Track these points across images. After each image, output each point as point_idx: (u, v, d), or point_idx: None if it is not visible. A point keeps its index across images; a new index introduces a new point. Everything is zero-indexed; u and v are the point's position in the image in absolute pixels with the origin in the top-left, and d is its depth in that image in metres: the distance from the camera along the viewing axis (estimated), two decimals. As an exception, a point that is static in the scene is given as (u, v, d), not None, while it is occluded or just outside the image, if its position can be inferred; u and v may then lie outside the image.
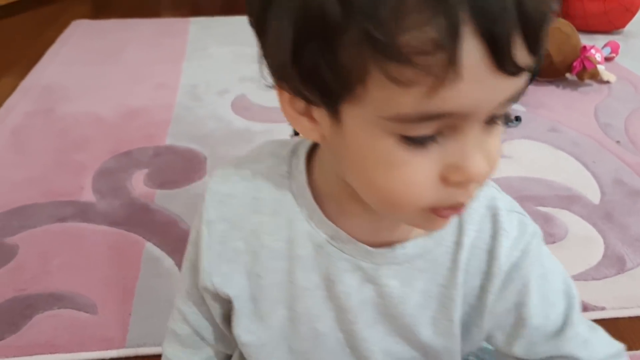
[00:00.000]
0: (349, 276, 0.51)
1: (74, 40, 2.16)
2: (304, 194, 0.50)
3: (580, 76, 1.81)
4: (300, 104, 0.42)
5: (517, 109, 1.65)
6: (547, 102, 1.71)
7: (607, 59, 1.99)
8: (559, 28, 1.81)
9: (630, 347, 0.74)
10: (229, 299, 0.54)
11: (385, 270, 0.50)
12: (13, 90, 1.75)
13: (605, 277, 1.04)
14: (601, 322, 0.87)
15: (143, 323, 0.93)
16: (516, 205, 0.53)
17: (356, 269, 0.50)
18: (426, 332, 0.53)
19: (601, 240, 1.13)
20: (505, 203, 0.52)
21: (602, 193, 1.28)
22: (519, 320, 0.52)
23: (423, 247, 0.50)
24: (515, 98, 0.38)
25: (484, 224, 0.50)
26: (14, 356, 0.88)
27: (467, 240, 0.50)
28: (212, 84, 1.77)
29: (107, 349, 0.89)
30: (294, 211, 0.50)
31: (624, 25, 2.28)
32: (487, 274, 0.51)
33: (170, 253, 1.08)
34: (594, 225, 1.17)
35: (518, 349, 0.54)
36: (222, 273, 0.53)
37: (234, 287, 0.53)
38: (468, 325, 0.53)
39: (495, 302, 0.51)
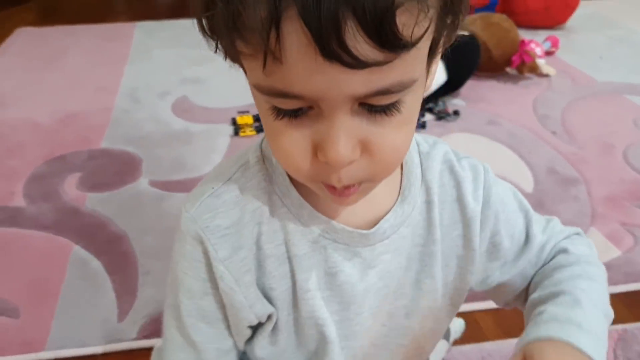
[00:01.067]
0: (348, 265, 0.50)
1: (16, 48, 2.12)
2: (288, 194, 0.49)
3: (520, 70, 1.84)
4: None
5: (456, 103, 1.67)
6: (487, 96, 1.73)
7: (548, 53, 2.03)
8: (497, 23, 1.84)
9: None
10: (265, 319, 0.52)
11: (380, 248, 0.51)
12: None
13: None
14: None
15: (65, 325, 0.92)
16: (460, 152, 0.55)
17: (354, 256, 0.50)
18: (411, 294, 0.54)
19: (531, 227, 1.15)
20: (454, 154, 0.55)
21: (536, 182, 1.30)
22: (493, 247, 0.55)
23: (402, 214, 0.51)
24: (381, 92, 0.36)
25: (445, 178, 0.53)
26: None
27: (435, 197, 0.52)
28: (153, 87, 1.76)
29: (26, 353, 0.87)
30: (283, 212, 0.49)
31: (564, 21, 2.33)
32: (464, 221, 0.53)
33: (97, 255, 1.06)
34: (525, 213, 1.19)
35: (492, 278, 0.56)
36: (258, 299, 0.50)
37: (267, 306, 0.51)
38: (463, 275, 0.55)
39: (481, 243, 0.54)
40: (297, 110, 0.38)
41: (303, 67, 0.34)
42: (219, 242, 0.48)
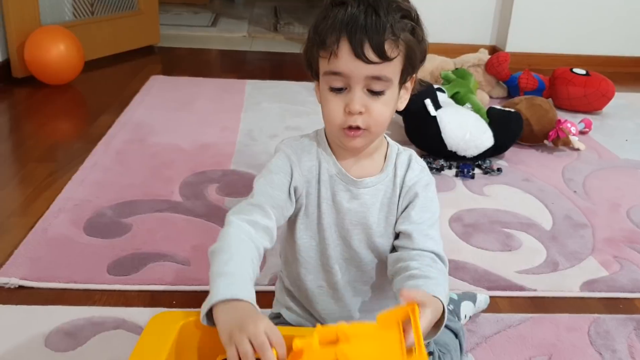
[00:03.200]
0: (342, 194, 0.95)
1: (154, 91, 2.70)
2: (325, 148, 0.95)
3: (555, 143, 2.28)
4: (314, 83, 0.92)
5: (500, 163, 2.12)
6: (526, 160, 2.18)
7: (582, 133, 2.45)
8: (539, 104, 2.30)
9: (549, 311, 1.29)
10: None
11: (362, 191, 0.95)
12: (111, 124, 2.27)
13: (542, 273, 1.48)
14: (533, 299, 1.38)
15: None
16: (424, 164, 0.99)
17: (347, 190, 0.95)
18: (379, 232, 0.96)
19: (545, 252, 1.57)
20: (418, 160, 0.98)
21: (554, 224, 1.73)
22: (406, 209, 0.96)
23: (379, 178, 0.95)
24: (378, 78, 0.84)
25: (404, 164, 0.97)
26: (137, 284, 1.34)
27: (398, 172, 0.96)
28: (264, 130, 2.28)
29: (197, 285, 1.34)
30: (321, 156, 0.95)
31: (601, 108, 2.76)
32: (402, 188, 0.96)
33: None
34: (542, 242, 1.62)
35: (400, 222, 0.96)
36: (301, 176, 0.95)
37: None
38: (393, 221, 0.97)
39: (402, 200, 0.96)
40: (341, 89, 0.86)
41: (346, 61, 0.83)
42: (290, 150, 0.94)
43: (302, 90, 2.75)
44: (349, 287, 1.00)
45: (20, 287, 1.31)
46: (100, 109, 2.45)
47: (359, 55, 0.82)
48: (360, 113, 0.85)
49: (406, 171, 0.96)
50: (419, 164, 0.98)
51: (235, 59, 3.52)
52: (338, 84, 0.85)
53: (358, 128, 0.87)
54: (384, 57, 0.82)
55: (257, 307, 0.76)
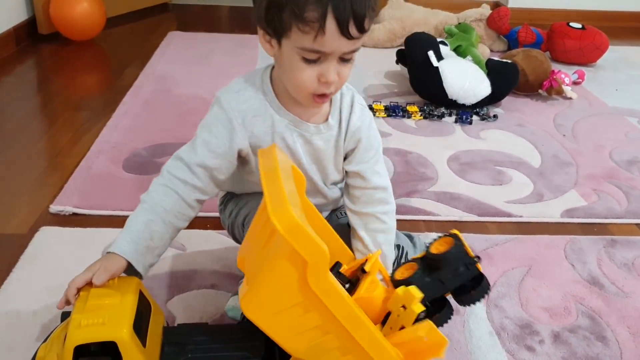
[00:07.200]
0: (297, 140, 1.01)
1: (173, 46, 2.87)
2: (272, 100, 0.97)
3: (549, 92, 2.45)
4: (266, 37, 0.91)
5: (496, 110, 2.29)
6: (520, 108, 2.35)
7: (575, 83, 2.62)
8: (535, 56, 2.46)
9: (532, 233, 1.49)
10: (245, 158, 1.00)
11: (315, 137, 1.01)
12: (136, 77, 2.45)
13: (528, 203, 1.67)
14: (518, 224, 1.58)
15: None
16: (364, 102, 1.05)
17: (301, 136, 1.00)
18: (332, 166, 1.06)
19: (532, 186, 1.76)
20: (359, 99, 1.03)
21: (542, 162, 1.91)
22: (352, 152, 1.04)
23: (329, 124, 1.02)
24: (353, 51, 0.87)
25: (347, 107, 1.02)
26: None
27: (343, 116, 1.02)
28: (279, 81, 2.46)
29: (226, 213, 1.54)
30: (270, 110, 0.98)
31: (595, 60, 2.91)
32: (347, 133, 1.02)
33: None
34: (530, 178, 1.81)
35: (347, 163, 1.06)
36: (245, 147, 0.98)
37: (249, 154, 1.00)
38: (341, 160, 1.06)
39: (347, 144, 1.03)
40: (317, 59, 0.86)
41: (332, 40, 0.84)
42: (232, 108, 0.96)
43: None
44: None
45: (74, 214, 1.51)
46: (124, 63, 2.63)
47: (345, 33, 0.84)
48: (334, 81, 0.91)
49: (350, 114, 1.02)
50: (360, 104, 1.04)
51: (248, 15, 3.67)
52: (313, 57, 0.87)
53: (329, 94, 0.93)
54: (363, 32, 0.86)
55: (137, 263, 0.93)
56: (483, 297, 0.87)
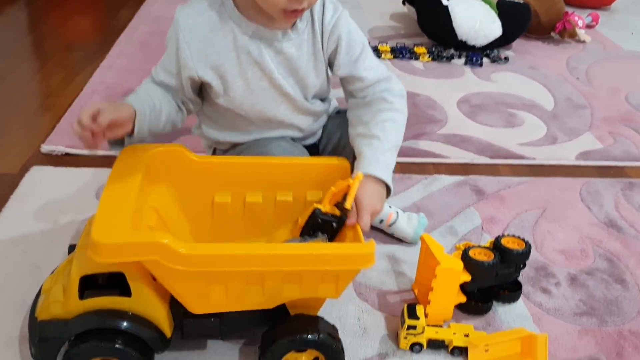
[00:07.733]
0: (266, 51, 0.95)
1: None
2: (232, 11, 0.92)
3: (562, 34, 2.35)
4: None
5: (507, 53, 2.20)
6: (532, 50, 2.25)
7: (589, 26, 2.51)
8: (548, -3, 2.35)
9: (546, 175, 1.42)
10: (205, 82, 0.95)
11: (286, 44, 0.95)
12: (131, 18, 2.35)
13: (541, 145, 1.60)
14: (532, 166, 1.50)
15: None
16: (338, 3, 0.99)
17: (269, 46, 0.94)
18: (312, 76, 0.99)
19: (545, 128, 1.69)
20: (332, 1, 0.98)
21: (555, 105, 1.83)
22: (336, 54, 0.98)
23: (298, 27, 0.95)
24: None
25: (319, 7, 0.96)
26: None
27: (316, 17, 0.96)
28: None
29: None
30: (231, 24, 0.92)
31: (610, 3, 2.79)
32: (323, 33, 0.96)
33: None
34: (543, 120, 1.73)
35: (336, 68, 1.00)
36: (201, 68, 0.94)
37: (208, 75, 0.95)
38: (322, 67, 1.00)
39: (327, 45, 0.98)
40: None
41: None
42: (185, 31, 0.93)
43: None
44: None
45: (66, 154, 1.44)
46: (119, 3, 2.52)
47: None
48: None
49: (322, 13, 0.96)
50: (331, 1, 0.98)
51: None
52: None
53: (302, 9, 0.88)
54: None
55: (140, 111, 0.91)
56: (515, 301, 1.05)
